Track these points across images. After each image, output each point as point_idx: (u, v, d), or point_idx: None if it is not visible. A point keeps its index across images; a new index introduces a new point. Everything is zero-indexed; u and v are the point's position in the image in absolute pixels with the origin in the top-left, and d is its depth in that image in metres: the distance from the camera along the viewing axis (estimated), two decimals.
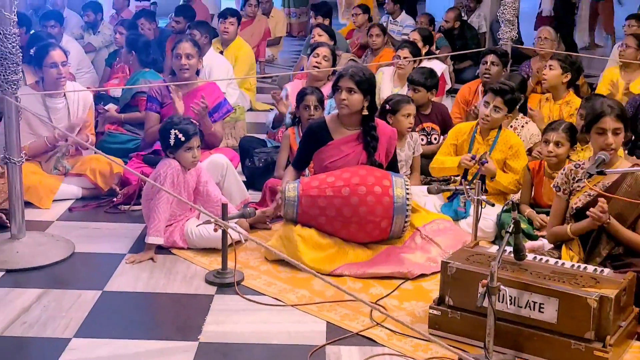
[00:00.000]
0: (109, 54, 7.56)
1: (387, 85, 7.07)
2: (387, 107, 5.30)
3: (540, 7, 13.09)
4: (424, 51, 7.88)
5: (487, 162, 4.83)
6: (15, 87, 4.13)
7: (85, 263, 4.24)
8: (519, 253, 3.37)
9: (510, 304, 3.31)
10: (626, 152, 4.36)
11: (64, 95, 5.32)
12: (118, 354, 3.30)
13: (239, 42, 7.85)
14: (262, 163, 5.45)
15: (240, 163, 5.46)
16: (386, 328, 3.59)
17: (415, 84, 6.01)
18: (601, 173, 3.58)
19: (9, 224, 4.32)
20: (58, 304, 3.72)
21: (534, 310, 3.29)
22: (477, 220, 4.06)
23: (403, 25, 9.74)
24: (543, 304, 3.26)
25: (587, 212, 3.83)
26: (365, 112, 4.58)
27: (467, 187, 4.54)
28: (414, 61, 7.17)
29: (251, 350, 3.38)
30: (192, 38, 6.53)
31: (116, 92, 6.53)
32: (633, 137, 5.53)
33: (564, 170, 4.20)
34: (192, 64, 5.79)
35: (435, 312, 3.53)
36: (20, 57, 4.32)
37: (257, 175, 5.29)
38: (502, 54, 6.76)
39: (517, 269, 3.42)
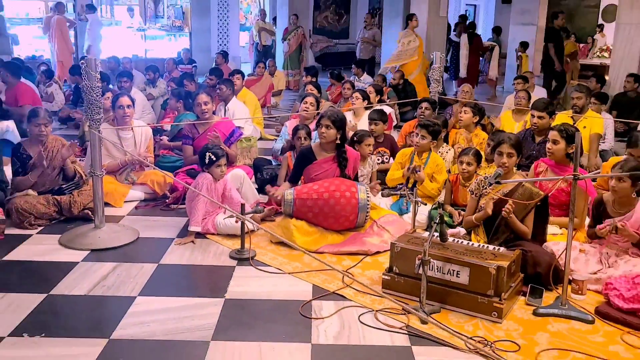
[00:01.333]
0: (163, 102, 7.64)
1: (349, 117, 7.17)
2: (355, 138, 5.39)
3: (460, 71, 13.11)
4: (377, 99, 7.95)
5: (419, 171, 4.92)
6: (98, 123, 4.24)
7: (146, 245, 4.28)
8: (442, 237, 3.42)
9: (437, 271, 3.36)
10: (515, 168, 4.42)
11: (132, 129, 5.34)
12: (169, 307, 3.34)
13: (245, 91, 8.03)
14: (268, 176, 5.53)
15: (254, 176, 5.50)
16: (353, 288, 3.63)
17: (374, 119, 6.11)
18: (497, 183, 3.64)
19: (93, 218, 4.31)
20: (127, 273, 3.76)
21: (453, 275, 3.36)
22: (414, 215, 4.17)
23: (365, 82, 9.82)
24: (459, 271, 3.34)
25: (502, 211, 3.89)
26: (338, 142, 4.70)
27: (408, 192, 4.60)
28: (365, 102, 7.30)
29: (261, 304, 3.44)
30: (208, 90, 6.61)
31: (167, 127, 6.59)
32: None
33: (477, 180, 4.25)
34: (209, 108, 5.84)
35: (386, 277, 3.62)
36: (102, 103, 4.35)
37: (265, 184, 5.35)
38: (432, 102, 6.87)
39: (441, 248, 3.44)
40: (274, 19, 14.49)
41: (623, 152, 5.47)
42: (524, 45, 13.06)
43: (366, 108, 7.20)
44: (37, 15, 15.06)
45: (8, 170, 5.03)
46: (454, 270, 3.34)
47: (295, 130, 5.44)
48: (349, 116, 6.68)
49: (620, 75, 8.70)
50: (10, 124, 6.09)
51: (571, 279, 3.49)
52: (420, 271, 3.26)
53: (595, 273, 3.72)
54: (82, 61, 4.41)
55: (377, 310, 3.31)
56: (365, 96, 7.49)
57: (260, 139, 7.82)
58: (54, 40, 12.89)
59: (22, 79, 7.96)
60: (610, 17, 15.34)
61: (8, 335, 2.94)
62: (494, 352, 2.90)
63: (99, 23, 13.59)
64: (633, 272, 3.52)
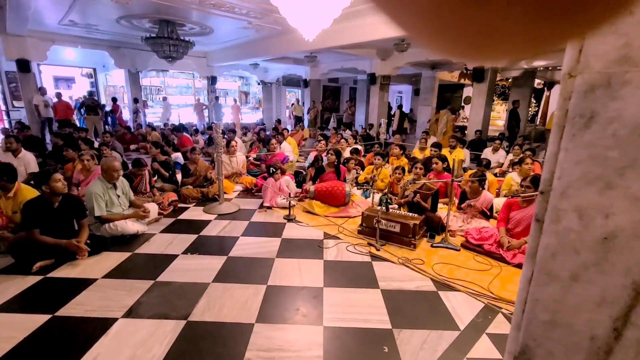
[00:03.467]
0: (250, 143, 7.60)
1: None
2: (345, 160, 5.36)
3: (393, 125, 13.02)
4: (352, 142, 7.92)
5: (375, 177, 4.89)
6: (220, 154, 4.23)
7: (244, 213, 4.26)
8: (387, 209, 3.42)
9: (384, 225, 3.33)
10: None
11: (236, 156, 5.38)
12: (256, 241, 3.36)
13: (289, 138, 7.82)
14: (301, 180, 5.51)
15: (294, 179, 5.49)
16: (344, 233, 3.60)
17: (353, 153, 6.05)
18: (414, 183, 3.63)
19: (219, 199, 4.36)
20: (235, 225, 3.77)
21: (392, 227, 3.33)
22: (372, 198, 4.14)
23: (347, 134, 9.75)
24: (395, 225, 3.31)
25: (416, 197, 3.87)
26: (336, 163, 4.70)
27: (370, 186, 4.59)
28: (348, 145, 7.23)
29: (298, 241, 3.40)
30: (276, 138, 6.65)
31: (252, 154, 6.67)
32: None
33: (406, 181, 4.24)
34: (275, 146, 5.90)
35: (360, 228, 3.59)
36: (223, 145, 4.40)
37: (300, 184, 5.33)
38: (381, 145, 6.81)
39: (386, 214, 3.41)
40: (303, 102, 14.46)
41: (474, 168, 5.45)
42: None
43: (350, 146, 7.23)
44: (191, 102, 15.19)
45: (178, 176, 5.12)
46: (392, 224, 3.34)
47: (316, 158, 5.47)
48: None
49: (472, 130, 8.64)
50: (179, 154, 6.19)
51: (449, 229, 3.50)
52: (376, 225, 3.29)
53: (461, 227, 3.72)
54: (213, 124, 4.47)
55: (354, 244, 3.31)
56: (349, 141, 7.52)
57: (297, 161, 7.85)
58: (198, 114, 13.15)
59: (184, 134, 8.10)
60: (467, 101, 15.18)
61: (181, 253, 3.02)
62: (411, 264, 2.93)
63: (220, 106, 13.90)
64: (478, 226, 3.53)
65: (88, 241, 2.91)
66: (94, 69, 12.39)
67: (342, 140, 7.40)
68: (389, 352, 1.90)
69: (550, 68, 11.08)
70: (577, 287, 0.36)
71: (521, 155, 5.39)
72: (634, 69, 0.31)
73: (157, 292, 2.41)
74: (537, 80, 12.28)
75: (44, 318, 2.10)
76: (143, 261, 2.90)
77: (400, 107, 14.30)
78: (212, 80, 13.10)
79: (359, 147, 6.68)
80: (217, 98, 14.48)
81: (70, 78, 13.40)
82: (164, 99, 12.29)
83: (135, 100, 11.14)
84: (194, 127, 10.69)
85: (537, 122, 14.09)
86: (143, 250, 3.10)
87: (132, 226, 3.32)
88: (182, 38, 7.55)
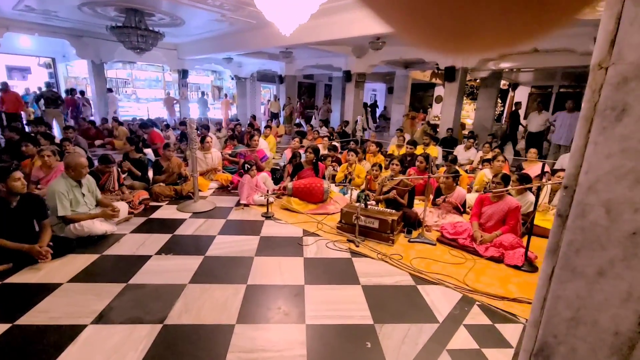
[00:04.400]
0: (225, 140, 7.38)
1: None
2: (322, 157, 5.35)
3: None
4: (326, 142, 7.94)
5: (352, 173, 4.92)
6: (194, 151, 4.07)
7: (220, 210, 4.13)
8: (365, 205, 3.44)
9: (363, 222, 3.34)
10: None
11: (211, 153, 5.21)
12: (233, 240, 3.27)
13: (269, 136, 7.69)
14: (278, 176, 5.43)
15: (272, 175, 5.40)
16: (323, 230, 3.58)
17: (330, 149, 6.03)
18: (391, 179, 3.68)
19: (193, 197, 4.20)
20: (211, 224, 3.64)
21: (371, 223, 3.36)
22: (351, 195, 4.16)
23: (323, 131, 9.75)
24: (374, 221, 3.34)
25: (392, 193, 3.91)
26: (314, 160, 4.66)
27: (347, 183, 4.61)
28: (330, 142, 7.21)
29: (278, 239, 3.35)
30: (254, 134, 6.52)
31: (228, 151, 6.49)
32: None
33: (383, 178, 4.27)
34: (257, 142, 5.76)
35: (339, 225, 3.57)
36: (197, 141, 4.25)
37: (277, 181, 5.25)
38: (357, 142, 6.87)
39: (365, 210, 3.43)
40: (278, 98, 14.29)
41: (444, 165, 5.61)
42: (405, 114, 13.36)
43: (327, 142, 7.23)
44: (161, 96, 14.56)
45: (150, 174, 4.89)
46: (371, 221, 3.36)
47: (294, 155, 5.39)
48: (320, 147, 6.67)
49: (443, 128, 8.89)
50: (149, 151, 5.90)
51: (425, 224, 3.57)
52: (355, 221, 3.30)
53: (436, 222, 3.81)
54: (186, 119, 4.29)
55: (334, 241, 3.31)
56: (330, 138, 7.51)
57: (274, 158, 7.74)
58: (169, 109, 12.62)
59: (154, 129, 7.75)
60: (439, 100, 15.65)
61: (154, 254, 2.87)
62: (390, 259, 2.97)
63: (205, 101, 13.64)
64: (453, 221, 3.64)
65: (51, 243, 2.70)
66: (53, 59, 11.54)
67: (320, 137, 7.36)
68: (372, 347, 1.90)
69: (514, 70, 11.63)
70: (603, 283, 0.36)
71: (490, 152, 5.61)
72: None
73: (129, 296, 2.28)
74: (503, 81, 12.86)
75: (2, 328, 1.92)
76: (113, 263, 2.74)
77: (365, 104, 14.44)
78: (183, 73, 12.62)
79: (336, 144, 6.68)
80: (203, 93, 14.03)
81: (25, 68, 12.42)
82: (109, 90, 10.88)
83: (82, 93, 10.42)
84: (165, 122, 10.26)
85: (503, 121, 14.78)
86: (113, 252, 2.92)
87: (99, 226, 3.12)
88: (151, 28, 7.18)
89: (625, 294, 0.35)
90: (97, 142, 8.05)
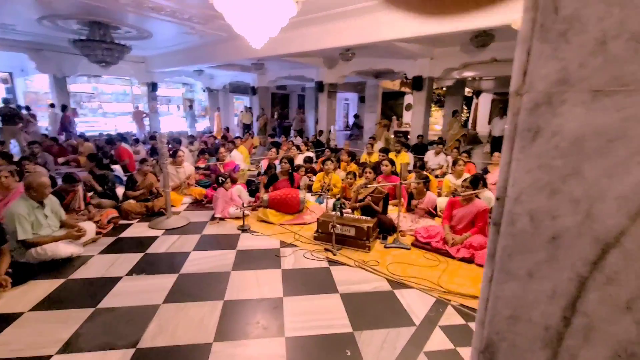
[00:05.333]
0: (197, 153, 7.19)
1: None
2: (296, 168, 5.36)
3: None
4: (305, 149, 7.96)
5: (329, 183, 4.95)
6: (166, 164, 3.97)
7: (195, 225, 4.04)
8: (341, 214, 3.48)
9: (339, 230, 3.38)
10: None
11: (183, 167, 5.11)
12: (208, 255, 3.21)
13: (241, 147, 7.56)
14: (253, 188, 5.37)
15: (247, 188, 5.33)
16: (300, 241, 3.57)
17: (308, 161, 6.07)
18: (364, 187, 3.74)
19: (166, 213, 4.09)
20: (185, 240, 3.56)
21: (347, 231, 3.39)
22: (327, 204, 4.18)
23: (298, 141, 9.76)
24: (350, 229, 3.37)
25: (366, 200, 3.96)
26: (290, 170, 4.66)
27: (324, 192, 4.65)
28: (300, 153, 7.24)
29: (254, 252, 3.31)
30: (226, 146, 6.45)
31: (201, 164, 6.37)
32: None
33: (358, 185, 4.31)
34: (225, 155, 5.69)
35: (316, 234, 3.58)
36: (168, 156, 4.15)
37: (253, 192, 5.19)
38: (332, 150, 6.93)
39: (341, 218, 3.45)
40: (250, 108, 14.19)
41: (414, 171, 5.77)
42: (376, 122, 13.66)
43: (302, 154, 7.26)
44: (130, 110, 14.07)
45: (117, 191, 4.71)
46: (347, 229, 3.39)
47: (269, 166, 5.37)
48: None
49: (414, 135, 9.16)
50: (117, 167, 5.69)
51: (399, 230, 3.62)
52: (332, 230, 3.33)
53: (410, 227, 3.89)
54: (156, 134, 4.19)
55: (311, 251, 3.30)
56: (299, 148, 7.55)
57: (249, 170, 7.66)
58: (138, 122, 12.23)
59: (122, 144, 7.49)
60: (409, 108, 16.11)
61: (125, 275, 2.77)
62: (367, 266, 3.01)
63: (193, 114, 13.32)
64: (426, 225, 3.74)
65: (10, 270, 2.53)
66: (10, 74, 10.93)
67: (294, 147, 7.38)
68: (352, 355, 1.92)
69: (477, 78, 12.24)
70: (533, 283, 0.40)
71: (457, 157, 5.84)
72: (570, 90, 0.37)
73: (99, 321, 2.18)
74: (467, 89, 13.49)
75: None
76: (80, 287, 2.61)
77: (302, 109, 14.64)
78: (153, 86, 12.32)
79: (312, 155, 6.71)
80: (190, 107, 13.72)
81: None
82: (51, 105, 9.91)
83: (27, 108, 9.78)
84: (134, 137, 9.93)
85: (470, 127, 15.45)
86: (79, 275, 2.78)
87: (64, 249, 2.96)
88: (117, 42, 7.00)
89: (550, 292, 0.39)
90: (61, 160, 7.66)
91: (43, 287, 2.56)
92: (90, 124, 12.77)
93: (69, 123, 9.80)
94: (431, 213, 4.08)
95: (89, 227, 3.41)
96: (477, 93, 15.31)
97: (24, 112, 9.56)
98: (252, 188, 5.42)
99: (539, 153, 0.39)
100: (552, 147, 0.38)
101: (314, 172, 6.04)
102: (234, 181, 5.13)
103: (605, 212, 0.37)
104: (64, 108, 9.90)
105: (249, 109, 13.85)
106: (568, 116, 0.37)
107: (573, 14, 0.36)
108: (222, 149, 5.80)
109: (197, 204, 4.92)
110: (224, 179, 4.41)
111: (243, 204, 4.18)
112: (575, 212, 0.38)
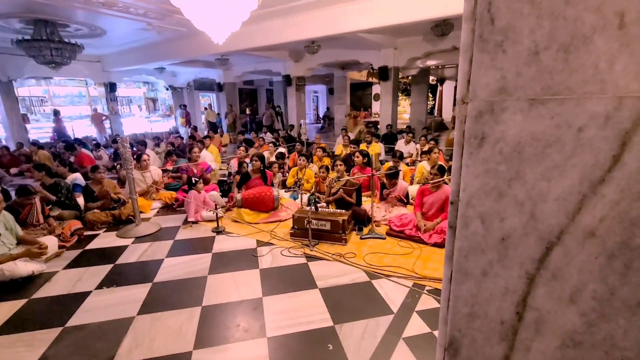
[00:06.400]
0: (164, 155, 6.92)
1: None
2: (268, 164, 5.29)
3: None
4: (277, 144, 7.88)
5: (301, 179, 4.93)
6: (131, 169, 3.79)
7: (166, 231, 3.91)
8: (316, 209, 3.49)
9: (315, 225, 3.40)
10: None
11: (149, 171, 4.90)
12: (183, 261, 3.13)
13: (212, 147, 7.34)
14: (226, 188, 5.27)
15: (219, 188, 5.21)
16: (276, 238, 3.56)
17: (278, 157, 6.00)
18: (338, 180, 3.77)
19: (134, 220, 3.92)
20: (157, 247, 3.44)
21: (323, 226, 3.41)
22: (301, 199, 4.17)
23: (268, 137, 9.63)
24: (325, 223, 3.40)
25: (339, 193, 3.99)
26: (262, 168, 4.59)
27: (297, 188, 4.63)
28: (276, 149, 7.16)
29: (231, 253, 3.27)
30: (198, 146, 6.25)
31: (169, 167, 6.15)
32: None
33: (331, 179, 4.34)
34: (198, 155, 5.51)
35: (292, 231, 3.57)
36: (133, 160, 3.97)
37: (225, 193, 5.09)
38: (303, 144, 6.92)
39: (316, 213, 3.46)
40: (210, 105, 13.78)
41: (390, 160, 5.88)
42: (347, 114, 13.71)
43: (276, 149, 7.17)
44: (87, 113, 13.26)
45: (79, 200, 4.45)
46: (323, 223, 3.42)
47: (240, 164, 5.27)
48: (266, 154, 6.58)
49: (383, 125, 9.30)
50: (78, 175, 5.36)
51: (374, 220, 3.67)
52: (307, 226, 3.34)
53: (384, 216, 3.99)
54: (118, 137, 3.97)
55: (288, 248, 3.31)
56: (273, 144, 7.46)
57: (220, 169, 7.47)
58: (97, 126, 11.56)
59: (83, 150, 7.07)
60: (377, 98, 16.30)
61: (94, 289, 2.64)
62: (344, 259, 3.05)
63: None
64: (399, 214, 3.84)
65: None
66: None
67: (270, 144, 7.27)
68: (334, 349, 1.95)
69: (440, 67, 12.56)
70: (487, 282, 0.42)
71: (428, 145, 6.01)
72: (509, 98, 0.38)
73: (68, 340, 2.07)
74: (431, 77, 13.83)
75: None
76: (45, 306, 2.46)
77: (274, 107, 14.55)
78: (111, 87, 11.66)
79: (283, 151, 6.65)
80: (184, 106, 13.02)
81: None
82: None
83: None
84: (94, 141, 9.41)
85: (436, 114, 15.91)
86: (43, 294, 2.62)
87: (24, 267, 2.78)
88: (66, 40, 6.53)
89: (503, 289, 0.42)
90: (13, 170, 7.13)
91: (3, 310, 2.40)
92: (45, 130, 11.94)
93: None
94: (402, 201, 4.18)
95: (51, 242, 3.21)
96: (441, 81, 15.75)
97: None
98: (224, 188, 5.31)
99: (485, 158, 0.41)
100: (497, 153, 0.40)
101: (288, 168, 6.00)
102: (206, 182, 5.00)
103: (547, 212, 0.39)
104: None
105: (211, 107, 13.49)
106: (509, 123, 0.39)
107: (508, 25, 0.37)
108: (195, 149, 5.61)
109: (168, 208, 4.76)
110: (196, 181, 4.28)
111: (216, 206, 4.08)
112: (520, 213, 0.40)
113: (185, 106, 13.18)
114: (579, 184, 0.38)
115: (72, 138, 9.57)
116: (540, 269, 0.41)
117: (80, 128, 12.55)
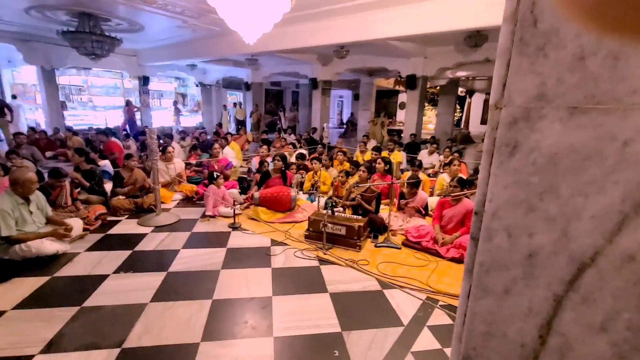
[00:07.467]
0: (190, 148, 7.10)
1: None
2: (288, 165, 5.32)
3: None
4: (298, 145, 7.92)
5: (318, 181, 4.94)
6: (156, 160, 3.90)
7: (185, 222, 4.00)
8: (332, 212, 3.47)
9: (330, 229, 3.37)
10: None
11: (173, 163, 5.04)
12: (198, 253, 3.18)
13: (232, 143, 7.40)
14: (245, 186, 5.33)
15: (238, 185, 5.28)
16: (290, 239, 3.57)
17: (298, 158, 6.04)
18: (357, 186, 3.74)
19: (155, 210, 4.03)
20: (174, 238, 3.52)
21: (338, 230, 3.39)
22: (318, 202, 4.17)
23: (291, 138, 9.70)
24: (341, 228, 3.37)
25: (356, 200, 3.96)
26: (283, 168, 4.63)
27: (315, 191, 4.63)
28: (294, 150, 7.20)
29: (245, 250, 3.30)
30: (219, 142, 6.38)
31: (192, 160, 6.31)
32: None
33: (350, 184, 4.31)
34: (218, 152, 5.63)
35: (307, 233, 3.57)
36: (158, 151, 4.09)
37: (244, 190, 5.15)
38: (324, 146, 6.92)
39: (332, 217, 3.45)
40: (241, 104, 14.05)
41: (411, 169, 5.79)
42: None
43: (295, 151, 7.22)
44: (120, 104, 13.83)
45: (107, 187, 4.63)
46: (338, 228, 3.40)
47: (262, 163, 5.32)
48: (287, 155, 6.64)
49: (407, 133, 9.17)
50: (107, 162, 5.60)
51: (390, 229, 3.63)
52: (323, 229, 3.32)
53: (401, 226, 3.92)
54: (146, 129, 4.11)
55: (302, 250, 3.30)
56: (294, 146, 7.53)
57: (241, 167, 7.58)
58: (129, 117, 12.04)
59: (113, 138, 7.39)
60: (403, 107, 16.11)
61: (112, 273, 2.73)
62: (357, 265, 3.01)
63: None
64: (417, 225, 3.76)
65: None
66: None
67: (290, 145, 7.33)
68: (340, 355, 1.92)
69: (470, 78, 12.30)
70: (508, 300, 0.40)
71: (450, 157, 5.88)
72: (548, 106, 0.36)
73: (83, 320, 2.14)
74: (460, 89, 13.56)
75: None
76: (65, 285, 2.56)
77: (282, 107, 14.49)
78: (144, 80, 12.13)
79: (304, 152, 6.67)
80: (224, 106, 13.57)
81: None
82: (13, 97, 9.52)
83: (14, 97, 9.54)
84: (125, 132, 9.79)
85: (462, 126, 15.55)
86: (65, 273, 2.74)
87: (49, 246, 2.91)
88: (107, 34, 6.85)
89: (526, 309, 0.39)
90: (48, 154, 7.51)
91: (28, 285, 2.51)
92: (80, 117, 12.55)
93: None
94: (420, 212, 4.09)
95: (76, 224, 3.35)
96: (470, 93, 15.40)
97: (12, 101, 9.36)
98: (243, 185, 5.37)
99: (516, 169, 0.38)
100: (530, 163, 0.38)
101: (307, 169, 6.01)
102: (226, 178, 5.09)
103: (581, 231, 0.36)
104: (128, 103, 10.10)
105: (241, 105, 13.75)
106: (546, 132, 0.37)
107: (552, 28, 0.35)
108: (216, 145, 5.74)
109: (188, 200, 4.87)
110: (217, 176, 4.37)
111: (234, 202, 4.15)
112: (551, 230, 0.38)
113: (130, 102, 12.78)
114: (620, 203, 0.35)
115: (105, 127, 10.00)
116: (570, 292, 0.38)
117: (113, 118, 13.11)
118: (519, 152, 0.38)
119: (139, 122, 12.20)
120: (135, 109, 12.17)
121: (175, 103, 13.65)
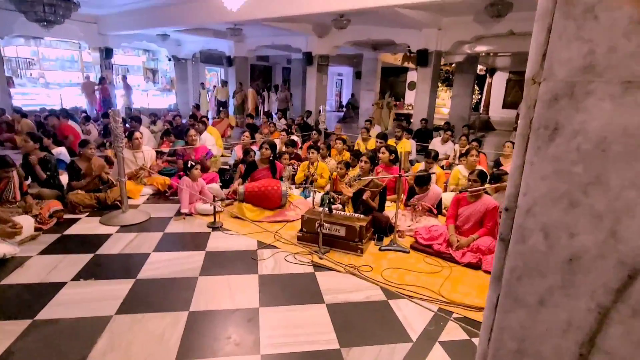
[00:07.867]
0: (161, 134, 7.05)
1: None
2: (278, 155, 5.30)
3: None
4: (290, 132, 7.90)
5: (314, 174, 4.93)
6: (121, 148, 3.86)
7: (155, 222, 3.97)
8: (329, 210, 3.47)
9: (327, 229, 3.38)
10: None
11: (142, 151, 5.00)
12: (171, 257, 3.19)
13: (210, 128, 7.30)
14: (227, 178, 5.31)
15: (219, 178, 5.26)
16: (280, 241, 3.57)
17: (291, 145, 6.01)
18: (358, 179, 3.75)
19: (121, 206, 4.01)
20: (144, 238, 3.51)
21: (336, 231, 3.40)
22: (313, 198, 4.17)
23: (281, 123, 9.66)
24: (339, 228, 3.38)
25: (364, 196, 3.96)
26: (271, 157, 4.61)
27: (309, 184, 4.63)
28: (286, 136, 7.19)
29: (227, 253, 3.31)
30: (196, 127, 6.34)
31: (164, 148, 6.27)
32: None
33: (351, 177, 4.31)
34: (195, 139, 5.58)
35: (299, 234, 3.57)
36: (124, 137, 4.05)
37: (226, 183, 5.14)
38: (320, 132, 6.92)
39: (329, 216, 3.45)
40: (226, 83, 13.96)
41: (422, 161, 5.80)
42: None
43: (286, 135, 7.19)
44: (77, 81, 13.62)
45: (63, 179, 4.58)
46: (336, 228, 3.40)
47: (246, 152, 5.30)
48: (277, 143, 6.61)
49: (417, 119, 9.17)
50: (62, 150, 5.53)
51: (397, 230, 3.62)
52: (318, 229, 3.32)
53: (409, 226, 3.93)
54: (110, 111, 4.06)
55: (294, 253, 3.30)
56: (286, 132, 7.50)
57: (222, 155, 7.53)
58: (89, 96, 11.87)
59: (70, 121, 7.30)
60: (412, 87, 16.08)
61: (70, 280, 2.72)
62: (359, 272, 3.03)
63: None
64: (427, 225, 3.78)
65: None
66: None
67: (283, 132, 7.29)
68: None
69: (491, 54, 12.30)
70: (544, 312, 0.39)
71: (467, 146, 5.89)
72: (597, 79, 0.35)
73: (36, 335, 2.13)
74: (479, 67, 13.57)
75: None
76: (15, 295, 2.54)
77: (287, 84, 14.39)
78: (107, 53, 11.96)
79: (296, 139, 6.65)
80: (124, 78, 13.24)
81: None
82: None
83: None
84: (84, 114, 9.67)
85: (481, 110, 15.60)
86: (13, 280, 2.71)
87: None
88: None
89: (565, 324, 0.38)
90: None
91: None
92: (30, 96, 12.34)
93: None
94: (432, 210, 4.10)
95: (26, 222, 3.32)
96: (491, 71, 15.42)
97: None
98: (225, 178, 5.36)
99: (556, 156, 0.37)
100: (573, 149, 0.37)
101: (299, 159, 5.99)
102: (205, 170, 5.06)
103: (634, 230, 0.36)
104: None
105: (225, 84, 13.64)
106: (594, 112, 0.36)
107: None
108: (192, 131, 5.69)
109: (160, 196, 4.84)
110: (192, 165, 4.32)
111: (215, 197, 4.13)
112: (597, 229, 0.37)
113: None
114: None
115: (60, 108, 9.86)
116: (618, 302, 0.37)
117: (69, 97, 12.92)
118: (560, 135, 0.37)
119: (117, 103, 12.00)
120: (96, 87, 11.99)
121: (124, 78, 13.05)
